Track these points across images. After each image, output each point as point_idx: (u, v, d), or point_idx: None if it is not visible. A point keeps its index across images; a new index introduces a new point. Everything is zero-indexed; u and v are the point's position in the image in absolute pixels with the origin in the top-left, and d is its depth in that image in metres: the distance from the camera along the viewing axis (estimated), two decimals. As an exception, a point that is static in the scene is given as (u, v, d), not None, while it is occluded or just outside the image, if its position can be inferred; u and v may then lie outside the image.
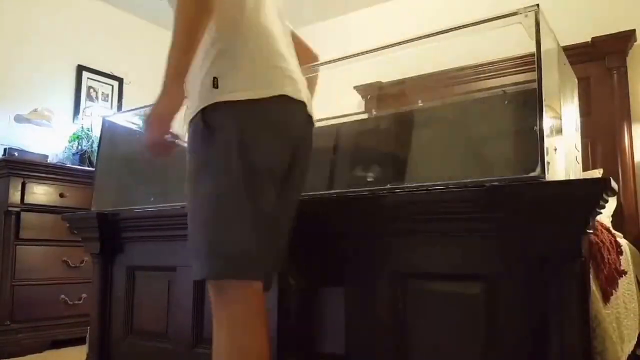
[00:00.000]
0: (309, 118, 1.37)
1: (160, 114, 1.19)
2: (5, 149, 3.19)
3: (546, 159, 1.25)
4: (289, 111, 1.28)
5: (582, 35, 3.09)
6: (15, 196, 2.99)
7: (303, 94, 1.32)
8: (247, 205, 1.20)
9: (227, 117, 1.20)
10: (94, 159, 3.45)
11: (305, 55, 1.57)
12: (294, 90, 1.27)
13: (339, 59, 1.78)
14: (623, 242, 2.17)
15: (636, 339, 1.94)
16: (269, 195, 1.24)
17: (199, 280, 1.27)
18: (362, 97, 4.03)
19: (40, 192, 3.11)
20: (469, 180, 1.38)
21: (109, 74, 4.16)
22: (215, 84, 1.20)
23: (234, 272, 1.20)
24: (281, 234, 1.33)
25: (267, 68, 1.25)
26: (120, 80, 4.24)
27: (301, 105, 1.31)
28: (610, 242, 1.61)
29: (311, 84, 1.51)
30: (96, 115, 3.73)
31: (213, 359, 1.22)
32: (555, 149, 1.39)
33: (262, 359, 1.20)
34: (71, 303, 3.13)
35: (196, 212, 1.24)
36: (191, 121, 1.24)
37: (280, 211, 1.30)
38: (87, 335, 2.14)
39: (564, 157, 1.48)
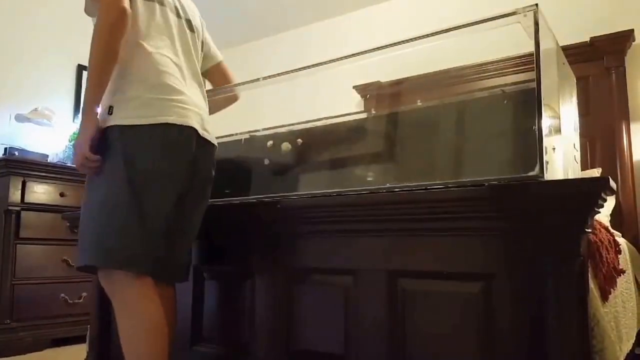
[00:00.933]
0: (204, 141, 1.61)
1: (79, 144, 1.46)
2: (5, 148, 3.19)
3: (545, 158, 1.26)
4: (172, 135, 1.51)
5: (581, 35, 3.10)
6: (15, 195, 2.99)
7: (193, 121, 1.55)
8: (131, 206, 1.44)
9: (117, 137, 1.47)
10: (94, 158, 3.46)
11: (226, 82, 1.97)
12: (178, 119, 1.51)
13: (338, 59, 1.79)
14: (622, 241, 2.17)
15: (634, 338, 1.95)
16: (158, 198, 1.49)
17: (81, 266, 1.49)
18: (362, 96, 4.04)
19: (41, 191, 3.11)
20: (468, 179, 1.39)
21: (109, 74, 4.16)
22: (110, 111, 1.49)
23: (115, 263, 1.44)
24: (182, 234, 1.58)
25: (152, 100, 1.50)
26: (120, 80, 4.25)
27: (189, 130, 1.54)
28: (609, 241, 1.62)
29: (230, 99, 1.99)
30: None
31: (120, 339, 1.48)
32: (554, 149, 1.40)
33: (153, 339, 1.44)
34: (71, 302, 3.13)
35: (89, 211, 1.50)
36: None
37: (183, 216, 1.56)
38: (87, 334, 2.15)
39: (562, 156, 1.49)
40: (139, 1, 1.56)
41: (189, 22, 1.72)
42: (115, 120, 1.48)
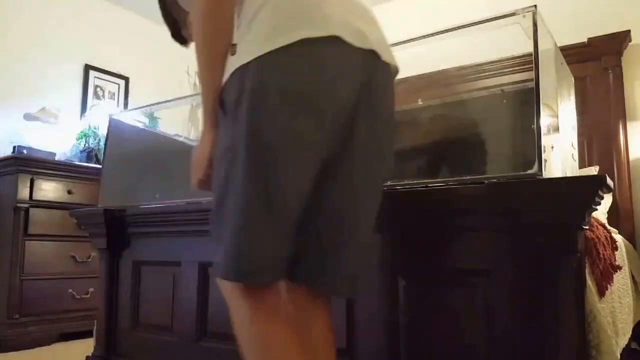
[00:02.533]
0: (372, 68, 1.04)
1: (198, 159, 1.07)
2: (14, 147, 3.21)
3: (543, 156, 1.26)
4: (317, 61, 0.94)
5: (579, 35, 3.12)
6: (24, 192, 3.01)
7: (352, 34, 0.96)
8: (256, 205, 0.95)
9: (235, 87, 0.95)
10: (100, 156, 3.49)
11: None
12: (324, 28, 0.92)
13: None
14: (618, 237, 2.18)
15: (630, 333, 1.97)
16: (294, 175, 0.98)
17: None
18: (364, 95, 4.06)
19: (49, 189, 3.13)
20: (467, 177, 1.39)
21: (115, 73, 4.19)
22: (233, 51, 0.97)
23: (241, 276, 0.98)
24: (330, 226, 1.07)
25: (290, 13, 0.94)
26: (126, 79, 4.27)
27: (348, 50, 0.96)
28: (606, 238, 1.63)
29: None
30: (103, 114, 3.76)
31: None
32: (552, 147, 1.41)
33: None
34: (78, 297, 3.15)
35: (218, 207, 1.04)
36: None
37: (336, 197, 1.06)
38: (94, 329, 2.17)
39: (560, 154, 1.50)
40: None
41: None
42: (238, 60, 0.96)
